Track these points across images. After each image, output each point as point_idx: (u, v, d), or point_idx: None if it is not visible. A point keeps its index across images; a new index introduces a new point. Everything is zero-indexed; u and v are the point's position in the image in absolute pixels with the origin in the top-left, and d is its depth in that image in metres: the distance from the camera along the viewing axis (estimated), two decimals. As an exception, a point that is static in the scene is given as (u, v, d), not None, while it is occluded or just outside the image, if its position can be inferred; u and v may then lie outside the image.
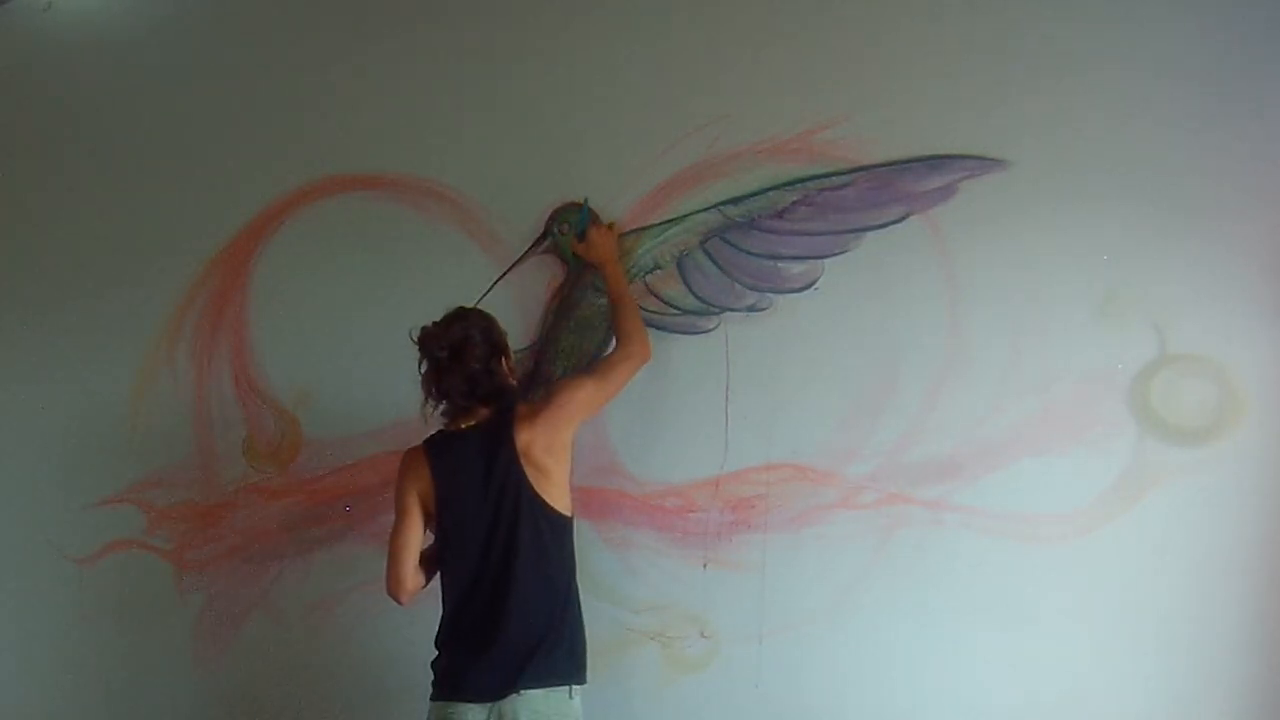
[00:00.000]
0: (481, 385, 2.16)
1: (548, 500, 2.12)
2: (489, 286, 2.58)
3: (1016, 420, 2.29)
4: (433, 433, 2.21)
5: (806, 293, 2.43)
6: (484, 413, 2.18)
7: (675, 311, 2.50)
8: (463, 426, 2.18)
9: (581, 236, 2.50)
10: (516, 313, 2.55)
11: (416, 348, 2.16)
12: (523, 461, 2.11)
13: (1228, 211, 2.19)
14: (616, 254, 2.46)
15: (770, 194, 2.45)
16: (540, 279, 2.59)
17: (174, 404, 2.87)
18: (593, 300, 2.56)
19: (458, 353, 2.14)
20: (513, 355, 2.28)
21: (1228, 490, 2.17)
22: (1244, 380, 2.17)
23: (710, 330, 2.48)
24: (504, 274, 2.60)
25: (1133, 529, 2.21)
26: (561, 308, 2.58)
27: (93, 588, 2.93)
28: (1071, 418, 2.26)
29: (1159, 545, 2.20)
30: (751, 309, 2.46)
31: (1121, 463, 2.23)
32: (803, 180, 2.43)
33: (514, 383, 2.26)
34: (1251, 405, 2.17)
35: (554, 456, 2.14)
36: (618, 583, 2.47)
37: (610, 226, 2.49)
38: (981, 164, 2.32)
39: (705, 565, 2.46)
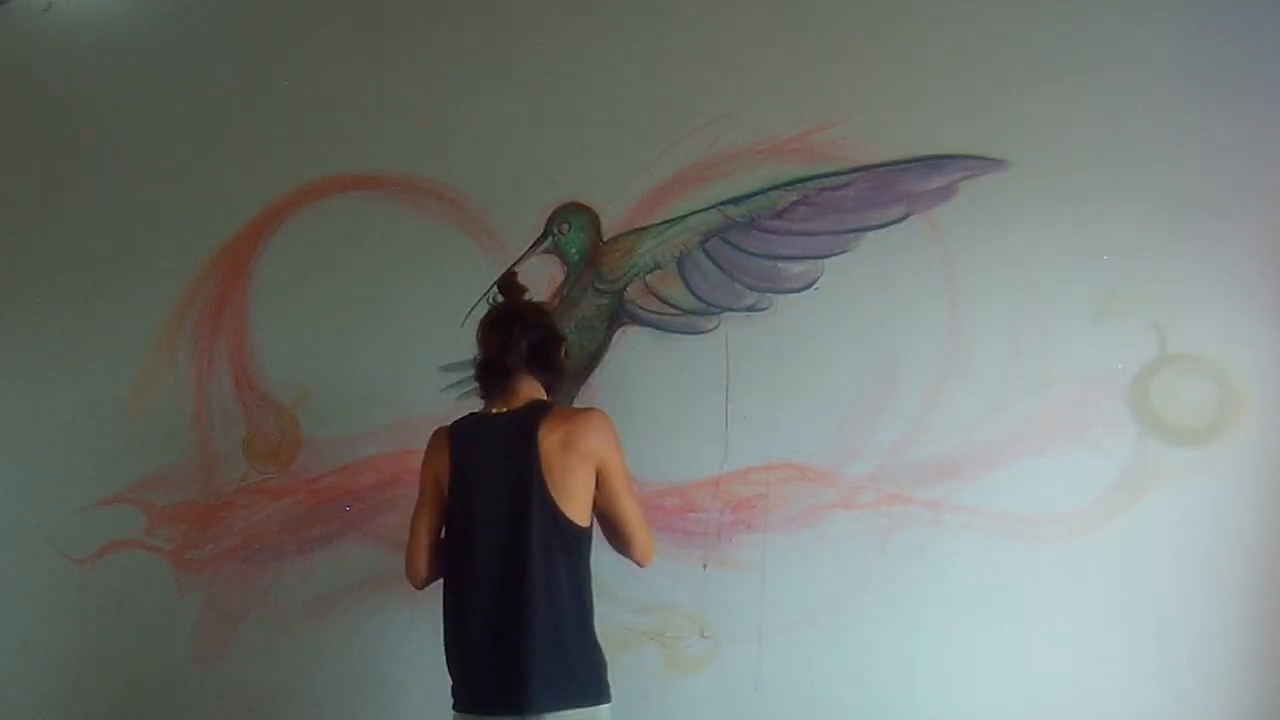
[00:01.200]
0: (537, 352, 2.08)
1: (560, 505, 1.97)
2: (489, 287, 2.58)
3: (1016, 420, 2.28)
4: (465, 414, 2.13)
5: (806, 293, 2.43)
6: (518, 399, 2.06)
7: (675, 311, 2.50)
8: (494, 411, 2.07)
9: None
10: (516, 313, 2.54)
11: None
12: (543, 460, 1.99)
13: (1228, 211, 2.18)
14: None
15: (770, 194, 2.45)
16: (540, 279, 2.59)
17: (174, 404, 2.87)
18: (593, 300, 2.56)
19: (514, 317, 2.09)
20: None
21: (1228, 490, 2.16)
22: (1244, 380, 2.17)
23: (710, 330, 2.47)
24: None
25: (1133, 529, 2.21)
26: (561, 308, 2.58)
27: (93, 588, 2.93)
28: (1071, 418, 2.25)
29: (1159, 545, 2.20)
30: (751, 309, 2.46)
31: (1121, 463, 2.22)
32: (803, 180, 2.43)
33: (558, 377, 2.17)
34: (1251, 405, 2.16)
35: (571, 472, 1.99)
36: (618, 583, 2.46)
37: None
38: (981, 164, 2.32)
39: (705, 565, 2.46)
